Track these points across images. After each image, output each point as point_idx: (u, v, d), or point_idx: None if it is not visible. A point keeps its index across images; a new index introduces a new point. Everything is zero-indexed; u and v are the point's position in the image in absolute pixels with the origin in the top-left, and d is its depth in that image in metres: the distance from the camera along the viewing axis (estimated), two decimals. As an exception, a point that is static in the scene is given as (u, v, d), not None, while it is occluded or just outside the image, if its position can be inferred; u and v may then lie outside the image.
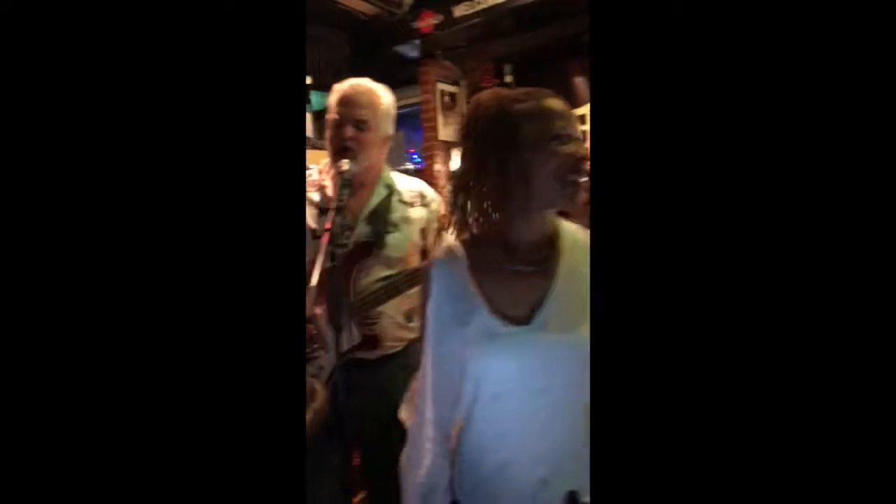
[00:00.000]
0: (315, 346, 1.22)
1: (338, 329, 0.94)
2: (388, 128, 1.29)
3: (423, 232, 1.34)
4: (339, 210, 1.06)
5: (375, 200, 1.29)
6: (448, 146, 3.70)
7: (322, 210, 1.09)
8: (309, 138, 2.82)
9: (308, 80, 3.02)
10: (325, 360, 1.23)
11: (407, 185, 1.37)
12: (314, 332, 1.19)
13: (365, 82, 1.28)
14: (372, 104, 1.24)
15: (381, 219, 1.28)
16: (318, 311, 1.15)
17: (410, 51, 3.50)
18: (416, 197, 1.36)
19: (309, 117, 3.00)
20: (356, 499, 1.42)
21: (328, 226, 1.00)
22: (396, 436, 1.33)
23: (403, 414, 0.80)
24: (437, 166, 3.64)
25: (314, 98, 3.22)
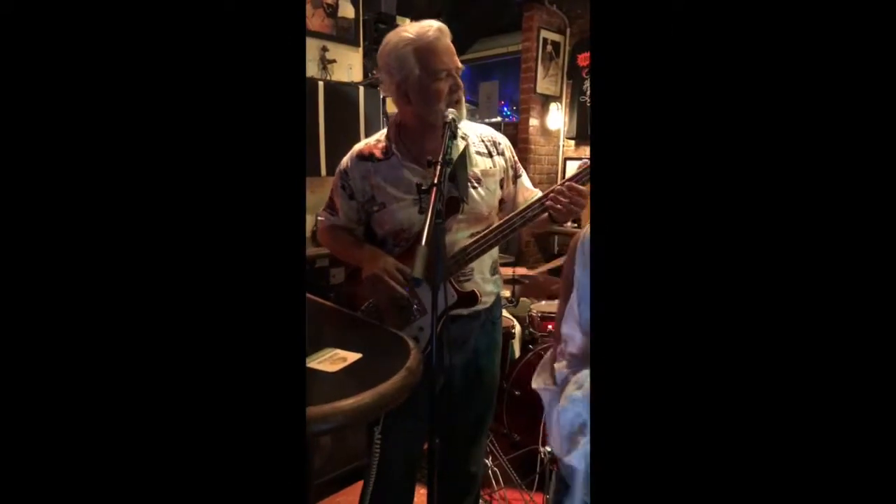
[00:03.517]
0: (415, 307, 1.19)
1: (435, 288, 0.88)
2: None
3: (501, 182, 1.25)
4: (447, 164, 0.98)
5: (455, 154, 1.17)
6: (546, 100, 3.50)
7: (429, 163, 1.01)
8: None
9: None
10: (423, 322, 1.19)
11: (477, 133, 1.25)
12: (413, 293, 1.16)
13: (443, 25, 1.12)
14: (453, 48, 1.12)
15: (463, 173, 1.17)
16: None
17: (515, -7, 3.28)
18: (491, 146, 1.25)
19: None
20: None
21: (436, 180, 0.93)
22: (481, 388, 1.31)
23: (535, 384, 0.76)
24: (533, 121, 3.46)
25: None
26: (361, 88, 2.37)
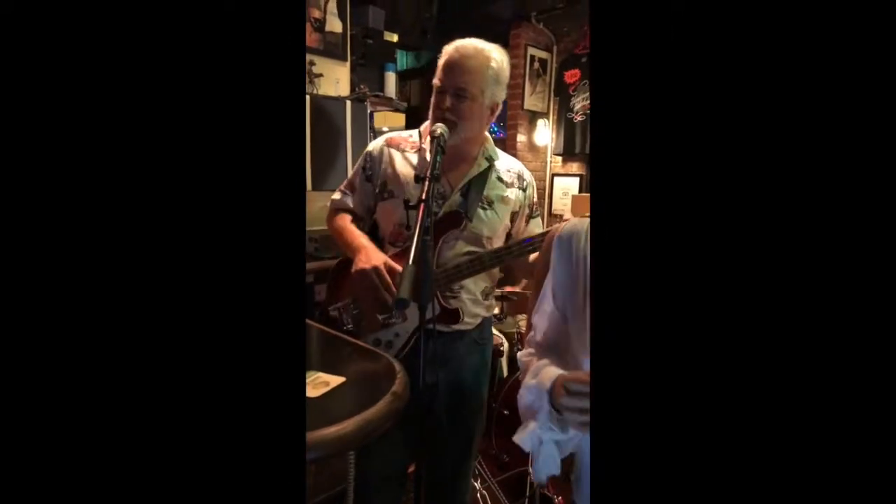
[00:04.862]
0: (394, 313, 1.16)
1: (423, 302, 0.85)
2: (497, 94, 1.16)
3: (514, 215, 1.25)
4: (434, 179, 0.95)
5: (475, 171, 1.19)
6: (533, 116, 3.51)
7: (417, 178, 1.00)
8: (391, 99, 2.74)
9: (394, 38, 2.92)
10: (399, 328, 1.17)
11: (506, 163, 1.27)
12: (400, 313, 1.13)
13: (473, 44, 1.13)
14: (476, 70, 1.11)
15: (477, 192, 1.18)
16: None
17: (503, 10, 3.30)
18: (515, 178, 1.26)
19: (393, 77, 2.91)
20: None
21: (423, 196, 0.90)
22: (467, 411, 1.28)
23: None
24: (521, 137, 3.47)
25: (399, 58, 3.14)
26: (349, 103, 2.35)
